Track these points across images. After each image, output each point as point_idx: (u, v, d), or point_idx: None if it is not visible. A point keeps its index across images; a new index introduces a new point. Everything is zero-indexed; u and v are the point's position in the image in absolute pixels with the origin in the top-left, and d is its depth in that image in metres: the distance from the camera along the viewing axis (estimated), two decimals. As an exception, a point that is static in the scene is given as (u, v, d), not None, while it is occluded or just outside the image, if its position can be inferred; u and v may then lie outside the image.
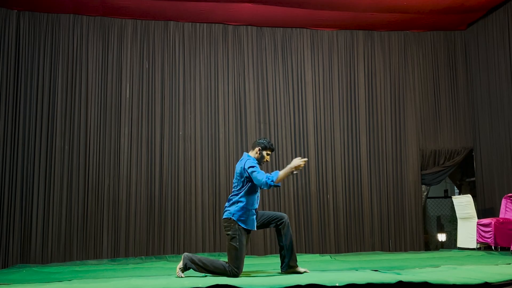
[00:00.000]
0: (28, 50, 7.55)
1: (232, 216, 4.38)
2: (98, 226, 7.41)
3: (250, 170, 4.37)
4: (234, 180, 4.58)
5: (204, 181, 7.83)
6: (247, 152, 4.75)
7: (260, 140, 4.66)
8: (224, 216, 4.48)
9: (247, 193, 4.43)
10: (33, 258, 7.08)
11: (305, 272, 4.48)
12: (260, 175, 4.32)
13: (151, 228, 7.56)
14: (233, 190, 4.55)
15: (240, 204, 4.40)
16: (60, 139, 7.47)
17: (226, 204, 4.53)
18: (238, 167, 4.52)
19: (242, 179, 4.45)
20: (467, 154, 8.60)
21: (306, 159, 4.41)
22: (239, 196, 4.43)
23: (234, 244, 4.31)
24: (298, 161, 4.32)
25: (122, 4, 7.50)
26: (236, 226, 4.35)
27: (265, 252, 7.73)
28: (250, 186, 4.43)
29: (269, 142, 4.68)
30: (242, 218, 4.38)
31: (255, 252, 7.68)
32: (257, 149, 4.62)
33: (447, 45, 8.79)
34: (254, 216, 4.47)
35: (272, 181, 4.28)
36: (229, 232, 4.37)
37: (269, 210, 7.90)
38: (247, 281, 3.81)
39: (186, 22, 8.14)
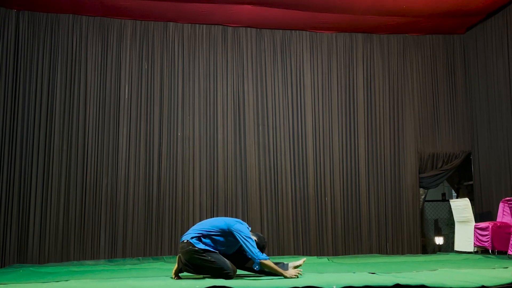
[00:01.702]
0: (27, 50, 7.55)
1: (191, 240, 4.32)
2: (96, 226, 7.40)
3: (245, 239, 4.23)
4: (210, 224, 4.43)
5: (202, 182, 7.82)
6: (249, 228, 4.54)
7: (262, 237, 4.48)
8: (185, 239, 4.37)
9: (217, 243, 4.35)
10: (30, 258, 7.07)
11: (303, 261, 4.50)
12: (255, 249, 4.20)
13: (148, 228, 7.56)
14: (206, 227, 4.39)
15: (206, 243, 4.33)
16: (59, 139, 7.46)
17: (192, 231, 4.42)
18: (221, 222, 4.40)
19: (222, 234, 4.34)
20: (465, 157, 8.61)
21: (301, 270, 4.26)
22: (209, 240, 4.34)
23: (207, 259, 4.25)
24: (293, 272, 4.19)
25: (122, 5, 7.50)
26: (195, 248, 4.28)
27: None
28: (225, 242, 4.36)
29: (264, 246, 4.44)
30: (202, 246, 4.33)
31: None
32: (254, 238, 4.37)
33: (446, 49, 8.81)
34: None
35: (263, 259, 4.18)
36: (194, 256, 4.30)
37: (268, 212, 7.91)
38: (245, 283, 3.80)
39: (185, 23, 8.15)
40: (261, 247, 4.37)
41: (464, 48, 8.78)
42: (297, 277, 4.14)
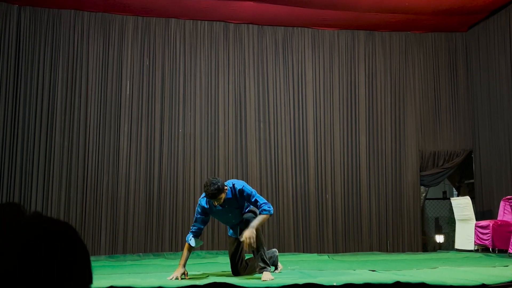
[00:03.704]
0: (29, 46, 7.55)
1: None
2: (97, 222, 7.41)
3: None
4: None
5: (203, 179, 7.81)
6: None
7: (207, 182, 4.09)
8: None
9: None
10: (31, 254, 7.07)
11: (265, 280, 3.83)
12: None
13: (149, 225, 7.56)
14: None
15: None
16: (60, 136, 7.47)
17: None
18: None
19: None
20: (466, 156, 8.60)
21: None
22: None
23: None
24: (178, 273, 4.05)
25: (123, 1, 7.49)
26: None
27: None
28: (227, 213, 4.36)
29: (206, 187, 4.00)
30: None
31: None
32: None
33: (448, 47, 8.79)
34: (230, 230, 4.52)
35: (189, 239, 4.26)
36: None
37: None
38: (245, 280, 3.81)
39: (187, 20, 8.14)
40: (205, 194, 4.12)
41: (466, 46, 8.76)
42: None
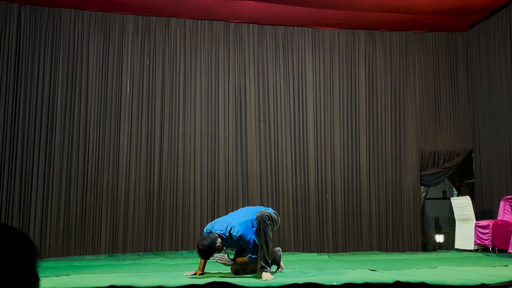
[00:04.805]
0: (29, 45, 7.54)
1: None
2: (97, 221, 7.41)
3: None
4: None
5: (203, 178, 7.83)
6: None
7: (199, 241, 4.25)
8: None
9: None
10: (31, 253, 7.06)
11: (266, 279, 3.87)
12: None
13: (149, 224, 7.57)
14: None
15: None
16: (60, 134, 7.47)
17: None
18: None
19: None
20: (466, 155, 8.60)
21: None
22: None
23: None
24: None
25: (124, 0, 7.49)
26: None
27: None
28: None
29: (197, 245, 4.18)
30: None
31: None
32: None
33: (448, 46, 8.79)
34: None
35: None
36: None
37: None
38: (245, 280, 3.81)
39: (187, 19, 8.14)
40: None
41: (467, 45, 8.76)
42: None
